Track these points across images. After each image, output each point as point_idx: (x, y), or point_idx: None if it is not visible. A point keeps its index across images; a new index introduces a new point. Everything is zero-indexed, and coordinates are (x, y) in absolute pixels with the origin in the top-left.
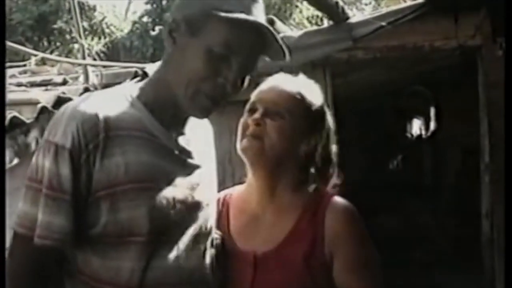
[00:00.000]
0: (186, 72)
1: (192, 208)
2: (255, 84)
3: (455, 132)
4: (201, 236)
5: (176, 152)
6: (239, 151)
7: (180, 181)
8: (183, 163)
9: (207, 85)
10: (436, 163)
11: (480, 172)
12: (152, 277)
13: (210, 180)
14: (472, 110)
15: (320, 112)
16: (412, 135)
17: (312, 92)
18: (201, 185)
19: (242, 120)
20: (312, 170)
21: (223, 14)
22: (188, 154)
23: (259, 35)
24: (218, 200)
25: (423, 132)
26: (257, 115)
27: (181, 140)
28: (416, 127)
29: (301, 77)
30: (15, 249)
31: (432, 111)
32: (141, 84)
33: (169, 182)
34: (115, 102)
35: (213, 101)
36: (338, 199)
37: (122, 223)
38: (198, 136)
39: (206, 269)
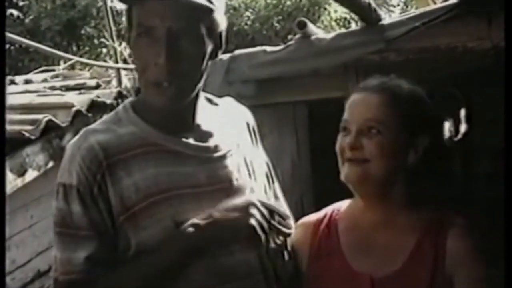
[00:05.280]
0: (135, 68)
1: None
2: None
3: (487, 134)
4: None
5: (190, 152)
6: (342, 179)
7: (203, 179)
8: (203, 161)
9: (149, 73)
10: (467, 165)
11: None
12: (194, 280)
13: (251, 168)
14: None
15: (418, 107)
16: None
17: (401, 89)
18: (237, 174)
19: (338, 141)
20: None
21: None
22: (207, 149)
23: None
24: (325, 215)
25: (453, 134)
26: (350, 138)
27: (199, 138)
28: (446, 129)
29: (381, 78)
30: None
31: (463, 113)
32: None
33: (190, 184)
34: (112, 127)
35: (168, 86)
36: (460, 219)
37: (152, 240)
38: (232, 125)
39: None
